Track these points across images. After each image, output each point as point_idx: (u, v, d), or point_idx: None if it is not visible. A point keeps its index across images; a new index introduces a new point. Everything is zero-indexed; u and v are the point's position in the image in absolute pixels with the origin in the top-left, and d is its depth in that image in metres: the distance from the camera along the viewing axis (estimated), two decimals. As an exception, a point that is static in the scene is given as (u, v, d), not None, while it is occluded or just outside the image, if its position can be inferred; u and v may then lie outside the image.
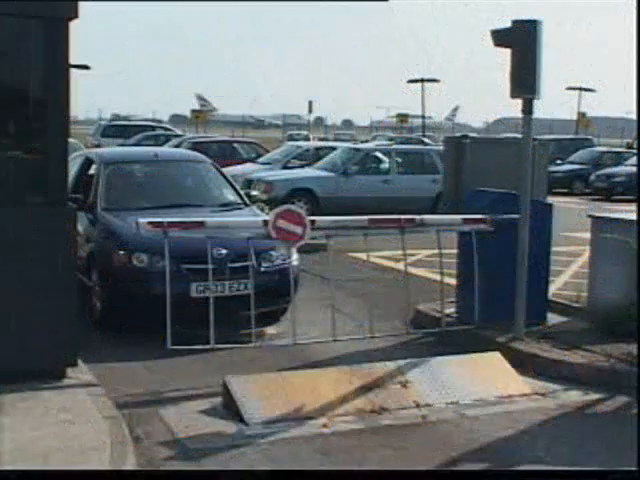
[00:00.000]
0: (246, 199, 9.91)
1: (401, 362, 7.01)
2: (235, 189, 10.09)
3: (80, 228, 8.42)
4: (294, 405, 6.20)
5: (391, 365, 6.90)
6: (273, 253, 8.55)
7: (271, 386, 6.35)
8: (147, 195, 9.67)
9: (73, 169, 10.28)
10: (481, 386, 6.88)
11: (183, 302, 7.97)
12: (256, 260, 8.24)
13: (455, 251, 9.06)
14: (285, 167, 20.81)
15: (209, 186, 10.18)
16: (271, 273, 8.48)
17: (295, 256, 8.80)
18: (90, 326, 8.27)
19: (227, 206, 9.66)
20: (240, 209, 9.60)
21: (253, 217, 9.30)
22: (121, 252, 8.29)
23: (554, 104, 51.10)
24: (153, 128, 37.77)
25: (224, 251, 8.19)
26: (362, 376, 6.66)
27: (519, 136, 8.01)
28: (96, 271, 8.61)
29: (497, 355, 7.28)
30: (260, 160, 22.72)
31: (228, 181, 10.18)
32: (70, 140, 24.54)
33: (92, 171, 9.98)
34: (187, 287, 8.03)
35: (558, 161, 30.42)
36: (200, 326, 8.27)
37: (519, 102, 7.85)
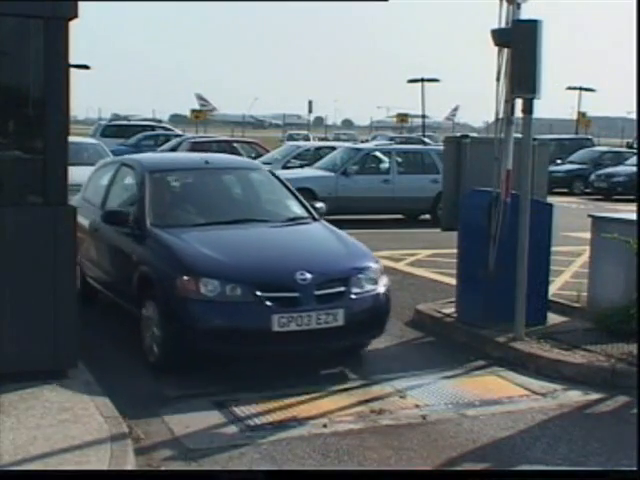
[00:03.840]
0: (314, 212, 8.52)
1: (400, 383, 6.99)
2: (299, 200, 8.70)
3: (122, 247, 7.98)
4: (293, 412, 6.22)
5: (389, 388, 6.87)
6: (361, 276, 7.25)
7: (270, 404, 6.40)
8: (202, 209, 8.30)
9: (104, 178, 9.58)
10: (481, 390, 6.91)
11: (264, 338, 6.82)
12: (345, 285, 7.11)
13: (455, 251, 9.05)
14: (285, 167, 20.81)
15: (270, 198, 8.88)
16: (362, 300, 7.18)
17: (385, 280, 7.55)
18: (144, 366, 7.18)
19: (294, 220, 8.32)
20: (308, 224, 8.29)
21: (329, 234, 8.07)
22: (186, 278, 6.86)
23: (554, 104, 51.05)
24: (153, 128, 37.76)
25: (309, 275, 6.92)
26: (361, 394, 6.68)
27: (519, 136, 8.01)
28: (152, 301, 7.16)
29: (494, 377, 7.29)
30: (260, 160, 22.71)
31: (290, 191, 8.83)
32: (91, 141, 23.22)
33: (131, 180, 8.76)
34: (268, 320, 6.72)
35: (558, 161, 30.43)
36: (278, 366, 7.26)
37: (519, 102, 7.85)
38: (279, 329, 6.71)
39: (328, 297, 6.95)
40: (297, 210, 8.54)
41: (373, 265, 7.46)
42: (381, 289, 7.37)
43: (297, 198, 8.70)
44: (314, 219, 8.37)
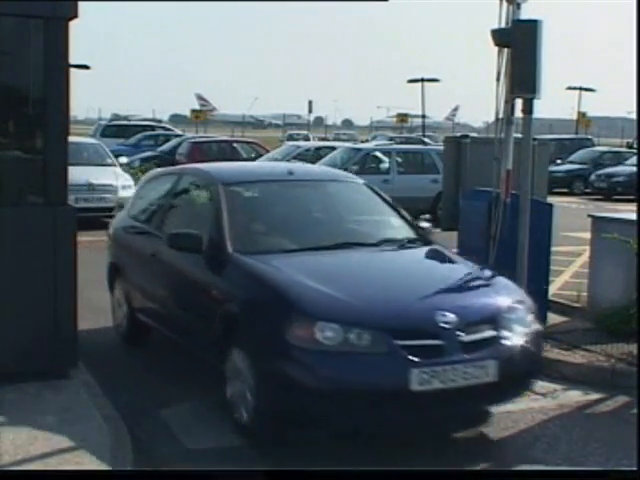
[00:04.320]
0: (424, 232, 7.16)
1: None
2: (405, 218, 7.27)
3: (194, 278, 6.55)
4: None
5: None
6: (512, 316, 5.67)
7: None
8: (292, 230, 6.78)
9: (157, 192, 8.01)
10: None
11: (399, 400, 5.21)
12: (495, 328, 5.55)
13: (455, 251, 9.04)
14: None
15: (372, 216, 7.43)
16: (515, 348, 5.57)
17: (535, 321, 5.90)
18: (230, 429, 5.77)
19: (405, 244, 6.85)
20: (421, 247, 6.85)
21: (455, 261, 6.76)
22: (295, 321, 5.28)
23: (554, 104, 51.12)
24: (153, 128, 37.81)
25: (452, 316, 5.39)
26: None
27: (519, 136, 8.01)
28: (242, 349, 5.64)
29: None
30: (260, 160, 22.72)
31: (393, 207, 7.40)
32: (91, 141, 22.93)
33: (198, 195, 7.44)
34: (406, 376, 5.13)
35: (558, 161, 30.45)
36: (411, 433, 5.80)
37: (519, 102, 7.86)
38: (419, 388, 5.14)
39: (476, 344, 5.40)
40: (404, 231, 7.08)
41: (523, 302, 5.91)
42: (533, 332, 5.80)
43: (402, 216, 7.27)
44: (426, 242, 6.95)
